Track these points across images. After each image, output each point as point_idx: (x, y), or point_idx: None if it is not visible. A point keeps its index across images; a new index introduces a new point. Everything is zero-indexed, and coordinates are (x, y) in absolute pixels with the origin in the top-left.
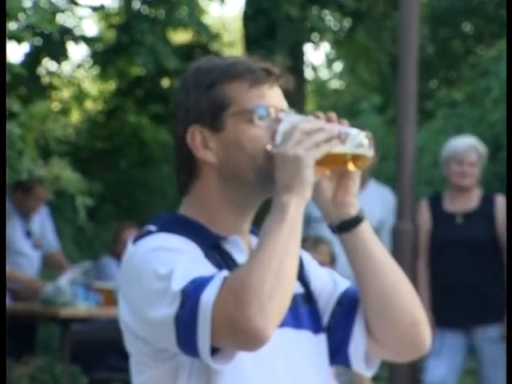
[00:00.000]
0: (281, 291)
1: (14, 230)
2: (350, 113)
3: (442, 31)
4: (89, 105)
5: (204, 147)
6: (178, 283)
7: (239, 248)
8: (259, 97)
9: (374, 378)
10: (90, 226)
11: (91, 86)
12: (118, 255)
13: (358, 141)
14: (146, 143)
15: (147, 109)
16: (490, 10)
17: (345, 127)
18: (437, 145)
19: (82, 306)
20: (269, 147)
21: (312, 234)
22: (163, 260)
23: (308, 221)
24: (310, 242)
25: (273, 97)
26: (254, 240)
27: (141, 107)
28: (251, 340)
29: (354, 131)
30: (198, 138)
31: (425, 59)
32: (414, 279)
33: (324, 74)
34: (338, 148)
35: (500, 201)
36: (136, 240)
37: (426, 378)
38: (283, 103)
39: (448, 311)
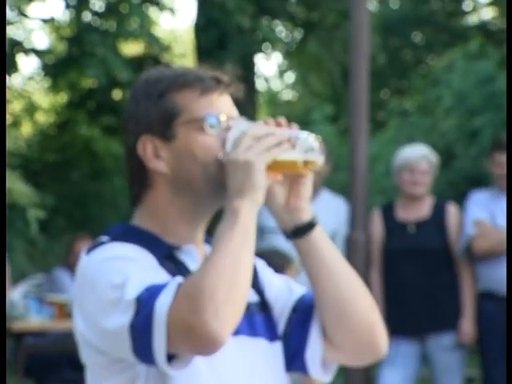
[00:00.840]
0: (236, 294)
1: None
2: (303, 123)
3: (392, 41)
4: (40, 117)
5: (155, 157)
6: (133, 291)
7: (193, 257)
8: (209, 105)
9: None
10: (43, 238)
11: (42, 99)
12: (71, 267)
13: (308, 144)
14: (98, 155)
15: (99, 121)
16: (441, 19)
17: (295, 131)
18: (389, 154)
19: (35, 320)
20: (220, 156)
21: (283, 252)
22: (117, 269)
23: (262, 231)
24: (286, 263)
25: (223, 105)
26: (208, 249)
27: (92, 119)
28: (207, 344)
29: (304, 134)
30: (149, 148)
31: (376, 69)
32: (367, 288)
33: (276, 84)
34: (288, 154)
35: (452, 209)
36: (89, 251)
37: None
38: (234, 111)
39: (402, 320)
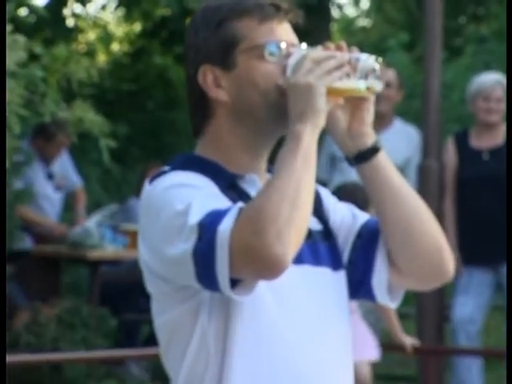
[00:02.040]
0: (298, 217)
1: (36, 174)
2: (378, 51)
3: None
4: (114, 46)
5: (216, 86)
6: (195, 217)
7: (256, 186)
8: (269, 32)
9: (402, 316)
10: (117, 168)
11: (116, 28)
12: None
13: (369, 66)
14: (172, 84)
15: (172, 50)
16: None
17: (355, 53)
18: (465, 81)
19: (110, 248)
20: (280, 82)
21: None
22: (180, 196)
23: (334, 160)
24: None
25: (283, 32)
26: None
27: (166, 48)
28: (271, 266)
29: (364, 56)
30: (209, 78)
31: None
32: (440, 217)
33: (351, 12)
34: (348, 80)
35: None
36: (152, 179)
37: (454, 315)
38: (294, 38)
39: (475, 248)
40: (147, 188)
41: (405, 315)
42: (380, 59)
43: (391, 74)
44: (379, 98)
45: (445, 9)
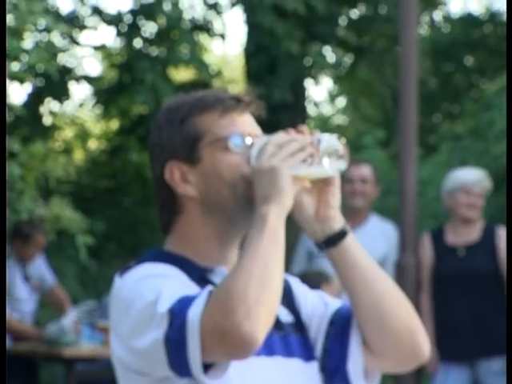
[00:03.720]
0: (267, 295)
1: (13, 276)
2: (354, 148)
3: (444, 65)
4: (92, 144)
5: (183, 182)
6: (165, 305)
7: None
8: (231, 124)
9: None
10: (94, 265)
11: (94, 126)
12: None
13: (331, 145)
14: (149, 181)
15: None
16: (492, 43)
17: (317, 135)
18: (441, 178)
19: (86, 346)
20: (246, 172)
21: (320, 270)
22: (150, 287)
23: (311, 256)
24: (323, 279)
25: (245, 123)
26: None
27: (143, 145)
28: (242, 346)
29: (326, 136)
30: (176, 174)
31: (427, 93)
32: (417, 313)
33: (327, 109)
34: (312, 165)
35: (502, 233)
36: (122, 273)
37: None
38: (256, 129)
39: (452, 345)
40: (117, 282)
41: None
42: (343, 139)
43: (367, 171)
44: (356, 193)
45: (420, 106)
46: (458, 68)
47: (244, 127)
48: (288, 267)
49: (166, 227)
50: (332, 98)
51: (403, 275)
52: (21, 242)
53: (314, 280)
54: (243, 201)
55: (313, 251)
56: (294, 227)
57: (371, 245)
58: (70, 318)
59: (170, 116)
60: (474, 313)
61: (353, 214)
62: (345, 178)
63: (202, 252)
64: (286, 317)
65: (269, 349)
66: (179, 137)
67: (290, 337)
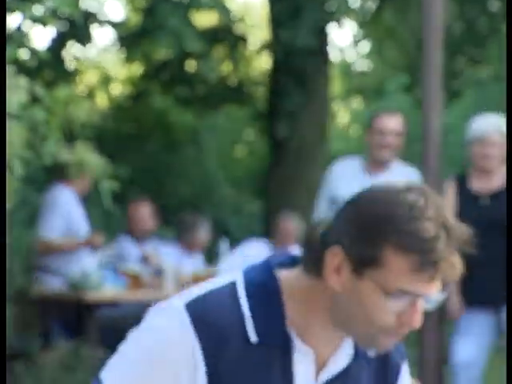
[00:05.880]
0: None
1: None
2: (378, 93)
3: (468, 9)
4: (115, 89)
5: (336, 271)
6: None
7: (307, 363)
8: (413, 283)
9: None
10: (118, 210)
11: (117, 70)
12: (130, 233)
13: None
14: (172, 127)
15: (172, 92)
16: None
17: None
18: (464, 125)
19: (109, 290)
20: (389, 323)
21: None
22: (127, 369)
23: (334, 201)
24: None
25: (428, 286)
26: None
27: (166, 91)
28: None
29: None
30: (336, 260)
31: (451, 38)
32: None
33: (350, 55)
34: None
35: None
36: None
37: (455, 357)
38: (436, 291)
39: (476, 290)
40: (155, 311)
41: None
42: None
43: (399, 123)
44: (386, 146)
45: (444, 51)
46: (483, 12)
47: (423, 290)
48: (310, 210)
49: (304, 262)
50: (356, 42)
51: None
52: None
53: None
54: (366, 338)
55: (338, 197)
56: (317, 166)
57: None
58: (94, 262)
59: (377, 219)
60: (498, 259)
61: (378, 164)
62: (371, 126)
63: (309, 323)
64: None
65: None
66: (361, 247)
67: None
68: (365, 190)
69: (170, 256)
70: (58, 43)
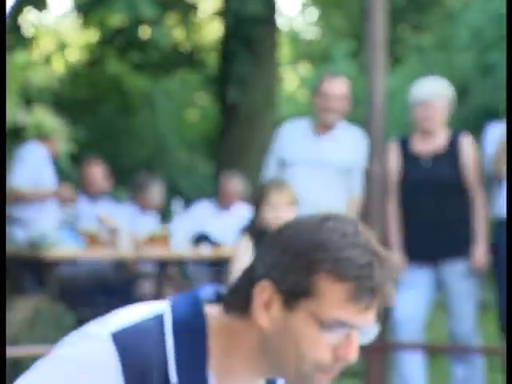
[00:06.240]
0: None
1: None
2: (325, 59)
3: None
4: (71, 55)
5: (265, 307)
6: None
7: None
8: (348, 313)
9: None
10: (75, 171)
11: (73, 37)
12: (87, 193)
13: None
14: (126, 92)
15: (127, 58)
16: None
17: None
18: (407, 90)
19: (68, 248)
20: (326, 361)
21: (275, 178)
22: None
23: (282, 165)
24: (273, 185)
25: (363, 315)
26: None
27: (121, 56)
28: None
29: None
30: (265, 295)
31: (394, 5)
32: (384, 218)
33: (299, 23)
34: None
35: (466, 141)
36: (116, 330)
37: (396, 313)
38: (371, 321)
39: (417, 247)
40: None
41: None
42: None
43: (344, 87)
44: (331, 110)
45: (387, 19)
46: None
47: (358, 320)
48: (259, 173)
49: (229, 301)
50: (303, 9)
51: (371, 182)
52: None
53: (264, 189)
54: (298, 377)
55: (285, 159)
56: (266, 129)
57: (340, 151)
58: (54, 219)
59: (309, 246)
60: (438, 217)
61: (324, 126)
62: (317, 90)
63: (228, 366)
64: None
65: None
66: (293, 277)
67: None
68: (290, 220)
69: (124, 215)
70: (15, 10)
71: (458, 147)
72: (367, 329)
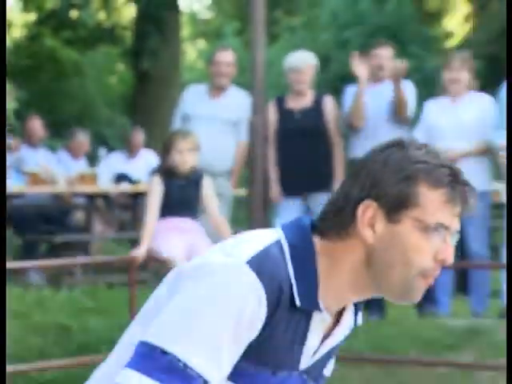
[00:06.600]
0: None
1: None
2: (217, 37)
3: None
4: (14, 32)
5: (369, 225)
6: (191, 357)
7: (321, 328)
8: (446, 216)
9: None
10: (18, 125)
11: (16, 17)
12: (29, 143)
13: None
14: (60, 62)
15: (60, 34)
16: None
17: None
18: (282, 60)
19: (15, 186)
20: (427, 266)
21: (180, 129)
22: (212, 321)
23: (186, 119)
24: (179, 134)
25: (455, 220)
26: (346, 317)
27: (55, 33)
28: None
29: None
30: (368, 214)
31: None
32: (265, 160)
33: (197, 6)
34: None
35: (328, 100)
36: (230, 251)
37: None
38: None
39: (289, 182)
40: (217, 257)
41: None
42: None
43: (231, 56)
44: (222, 74)
45: (266, 3)
46: None
47: (452, 223)
48: (168, 126)
49: (324, 226)
50: None
51: (255, 131)
52: None
53: (172, 138)
54: (406, 284)
55: (188, 114)
56: (172, 91)
57: (230, 108)
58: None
59: (404, 163)
60: (306, 159)
61: (217, 89)
62: (211, 60)
63: (329, 285)
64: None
65: None
66: (395, 190)
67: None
68: (373, 150)
69: (60, 160)
70: None
71: (322, 105)
72: (456, 234)
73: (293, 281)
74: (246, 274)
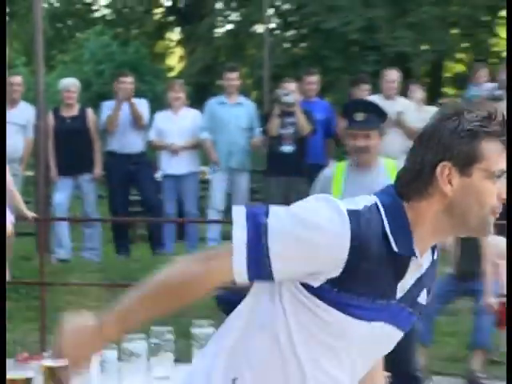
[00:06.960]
0: None
1: None
2: (10, 67)
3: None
4: None
5: (448, 182)
6: (274, 245)
7: (414, 269)
8: (503, 162)
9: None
10: None
11: None
12: None
13: None
14: None
15: None
16: None
17: None
18: (57, 83)
19: None
20: (494, 204)
21: None
22: (304, 234)
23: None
24: None
25: (504, 161)
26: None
27: None
28: None
29: None
30: (445, 173)
31: (48, 35)
32: (47, 151)
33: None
34: None
35: (89, 111)
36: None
37: (55, 199)
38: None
39: (64, 167)
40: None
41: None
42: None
43: (20, 80)
44: (14, 91)
45: (45, 44)
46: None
47: (503, 165)
48: None
49: (405, 190)
50: None
51: (38, 132)
52: None
53: None
54: (482, 223)
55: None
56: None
57: (21, 117)
58: None
59: (463, 127)
60: (75, 150)
61: (11, 103)
62: (10, 81)
63: (418, 237)
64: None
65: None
66: (465, 149)
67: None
68: (431, 121)
69: None
70: None
71: (85, 114)
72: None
73: (388, 231)
74: (344, 219)
